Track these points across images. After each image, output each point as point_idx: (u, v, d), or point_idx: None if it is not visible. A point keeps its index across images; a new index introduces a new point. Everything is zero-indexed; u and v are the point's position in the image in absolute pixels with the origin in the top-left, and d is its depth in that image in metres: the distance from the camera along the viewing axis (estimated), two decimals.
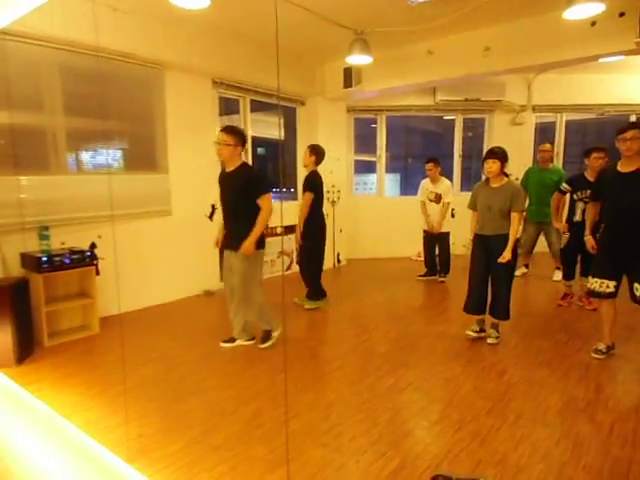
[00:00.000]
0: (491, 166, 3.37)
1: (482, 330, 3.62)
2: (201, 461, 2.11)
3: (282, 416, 2.48)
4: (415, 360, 3.24)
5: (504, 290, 3.47)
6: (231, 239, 3.32)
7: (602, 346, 3.24)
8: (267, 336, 3.49)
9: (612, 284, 3.11)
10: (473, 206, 3.59)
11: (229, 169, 3.30)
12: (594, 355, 3.22)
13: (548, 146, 5.31)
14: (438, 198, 5.35)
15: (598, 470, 2.02)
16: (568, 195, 4.36)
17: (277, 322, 3.53)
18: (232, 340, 3.54)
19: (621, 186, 3.03)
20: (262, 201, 3.22)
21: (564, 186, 4.35)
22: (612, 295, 3.14)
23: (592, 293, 3.24)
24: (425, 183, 5.51)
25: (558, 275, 5.28)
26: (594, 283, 3.19)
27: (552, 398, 2.67)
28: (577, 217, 4.19)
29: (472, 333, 3.61)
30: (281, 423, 2.42)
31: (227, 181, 3.32)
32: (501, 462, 2.08)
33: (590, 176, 4.10)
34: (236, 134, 3.23)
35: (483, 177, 3.54)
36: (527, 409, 2.54)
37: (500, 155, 3.38)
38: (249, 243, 3.17)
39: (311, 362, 3.26)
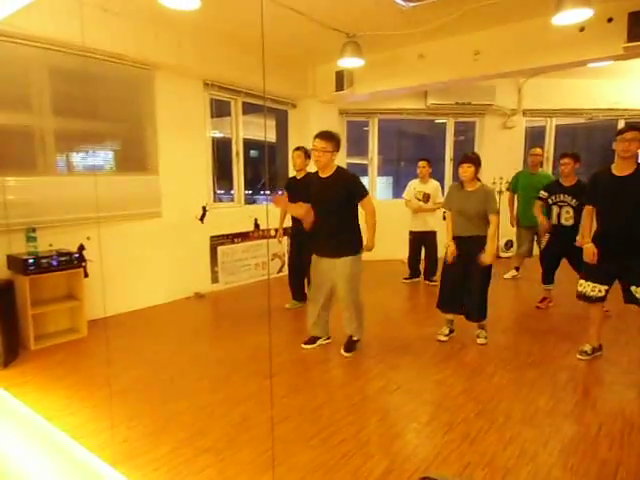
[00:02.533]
0: (466, 170, 3.43)
1: (452, 331, 3.70)
2: (188, 464, 2.09)
3: (271, 419, 2.47)
4: (405, 362, 3.24)
5: (479, 291, 3.48)
6: (331, 246, 3.24)
7: (587, 347, 3.27)
8: (353, 345, 3.40)
9: (604, 288, 3.10)
10: (448, 207, 3.63)
11: (324, 175, 3.22)
12: (579, 357, 3.24)
13: (538, 150, 5.37)
14: (426, 198, 5.39)
15: (585, 472, 2.03)
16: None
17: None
18: (314, 340, 3.53)
19: (616, 190, 3.00)
20: (365, 204, 3.22)
21: (541, 193, 4.42)
22: (602, 299, 3.14)
23: (582, 297, 3.20)
24: (413, 183, 5.53)
25: None
26: (586, 287, 3.16)
27: (540, 400, 2.68)
28: (553, 220, 4.28)
29: (443, 337, 3.66)
30: (270, 426, 2.40)
31: (324, 187, 3.22)
32: (490, 463, 2.08)
33: (563, 181, 4.24)
34: (333, 140, 3.16)
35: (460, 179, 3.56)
36: (516, 411, 2.55)
37: (475, 160, 3.45)
38: (370, 244, 3.26)
39: (300, 365, 3.25)
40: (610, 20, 3.95)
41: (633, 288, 2.99)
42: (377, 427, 2.40)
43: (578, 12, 3.42)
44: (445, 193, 3.83)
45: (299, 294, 4.66)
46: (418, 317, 4.40)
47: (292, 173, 6.35)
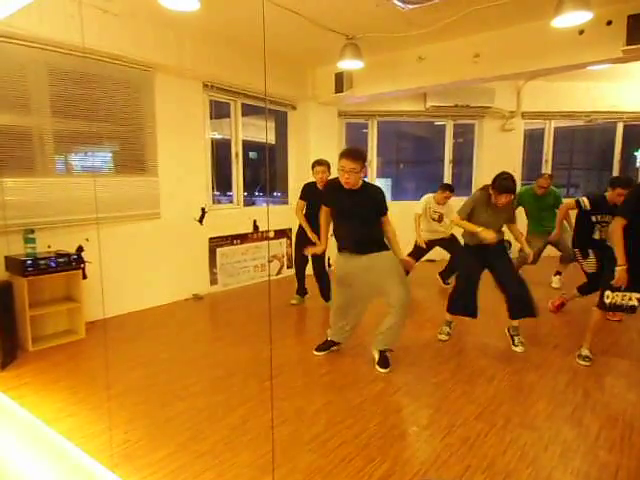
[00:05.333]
0: (504, 202, 3.31)
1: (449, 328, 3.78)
2: (187, 468, 2.08)
3: (270, 422, 2.46)
4: (404, 365, 3.23)
5: (524, 284, 3.43)
6: (364, 244, 3.13)
7: (587, 352, 3.24)
8: (388, 359, 3.18)
9: (635, 296, 3.03)
10: (467, 217, 3.46)
11: (353, 189, 3.06)
12: (583, 362, 3.20)
13: (549, 180, 5.11)
14: (441, 218, 5.35)
15: (585, 475, 2.02)
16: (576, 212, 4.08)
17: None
18: (329, 346, 3.45)
19: None
20: (386, 220, 3.19)
21: (584, 201, 3.94)
22: (634, 309, 3.06)
23: (614, 307, 3.10)
24: (431, 202, 5.38)
25: (557, 282, 5.34)
26: (615, 297, 3.07)
27: (540, 403, 2.67)
28: (596, 235, 3.96)
29: (445, 337, 3.71)
30: (269, 429, 2.39)
31: (355, 199, 3.07)
32: (490, 467, 2.07)
33: (611, 202, 3.81)
34: (362, 158, 2.99)
35: (493, 200, 3.37)
36: (516, 414, 2.55)
37: (515, 190, 3.33)
38: (400, 255, 3.20)
39: (300, 367, 3.24)
40: (609, 23, 3.95)
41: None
42: (376, 430, 2.39)
43: (577, 15, 3.42)
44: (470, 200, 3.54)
45: (302, 289, 4.84)
46: (416, 319, 4.38)
47: (291, 175, 6.40)
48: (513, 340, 3.53)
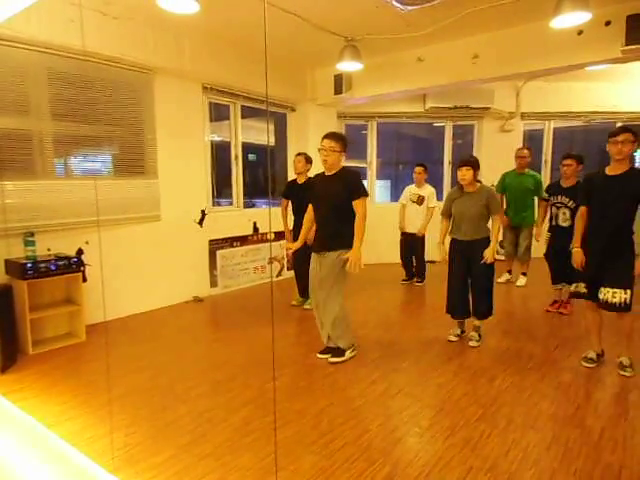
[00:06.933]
0: (464, 174, 3.45)
1: (463, 332, 3.76)
2: (189, 471, 2.07)
3: (272, 424, 2.45)
4: (406, 366, 3.23)
5: (485, 291, 3.56)
6: (326, 241, 3.22)
7: (592, 354, 3.22)
8: (338, 352, 3.32)
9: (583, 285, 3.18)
10: (447, 213, 3.65)
11: (329, 173, 3.23)
12: (585, 364, 3.18)
13: (525, 152, 5.31)
14: (421, 200, 5.49)
15: (588, 475, 2.02)
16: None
17: (353, 340, 3.39)
18: (328, 351, 3.40)
19: (608, 189, 2.98)
20: (358, 204, 3.11)
21: (544, 194, 4.57)
22: (584, 296, 3.18)
23: (574, 295, 3.32)
24: (410, 188, 5.66)
25: (522, 281, 5.48)
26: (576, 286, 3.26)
27: (543, 403, 2.67)
28: (554, 222, 4.33)
29: (454, 337, 3.72)
30: (271, 431, 2.38)
31: (327, 184, 3.21)
32: (492, 468, 2.07)
33: (563, 182, 4.26)
34: (341, 140, 3.18)
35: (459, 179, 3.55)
36: (518, 414, 2.54)
37: (473, 163, 3.47)
38: (356, 251, 3.09)
39: (302, 368, 3.23)
40: (608, 23, 3.96)
41: (601, 288, 3.02)
42: (379, 431, 2.39)
43: (576, 15, 3.43)
44: (444, 198, 3.80)
45: (304, 291, 4.79)
46: (418, 320, 4.38)
47: (291, 177, 6.38)
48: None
